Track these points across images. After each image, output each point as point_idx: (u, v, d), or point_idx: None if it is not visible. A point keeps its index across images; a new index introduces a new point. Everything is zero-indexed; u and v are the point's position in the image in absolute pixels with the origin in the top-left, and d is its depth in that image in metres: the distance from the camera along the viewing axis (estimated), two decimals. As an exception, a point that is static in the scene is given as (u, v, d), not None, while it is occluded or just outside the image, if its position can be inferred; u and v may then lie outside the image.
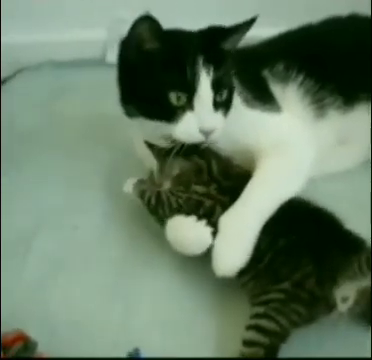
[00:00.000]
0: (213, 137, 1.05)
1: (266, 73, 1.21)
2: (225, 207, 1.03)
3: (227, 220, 1.03)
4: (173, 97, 1.02)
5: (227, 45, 1.08)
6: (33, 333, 0.94)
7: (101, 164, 1.30)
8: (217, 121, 1.05)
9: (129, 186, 1.14)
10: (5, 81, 1.78)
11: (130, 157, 1.28)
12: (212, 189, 1.06)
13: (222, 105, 1.06)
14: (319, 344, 0.98)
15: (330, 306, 0.94)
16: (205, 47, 1.05)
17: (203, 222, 1.02)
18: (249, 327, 0.94)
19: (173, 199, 1.06)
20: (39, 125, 1.53)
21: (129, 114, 1.11)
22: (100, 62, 1.71)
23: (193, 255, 1.02)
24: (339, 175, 1.26)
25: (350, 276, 0.94)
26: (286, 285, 0.95)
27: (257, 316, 0.95)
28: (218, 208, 1.04)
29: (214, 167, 1.08)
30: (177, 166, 1.09)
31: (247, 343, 0.94)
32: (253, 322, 0.94)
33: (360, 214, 1.15)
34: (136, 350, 0.93)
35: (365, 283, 0.94)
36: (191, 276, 1.07)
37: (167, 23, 1.63)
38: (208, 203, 1.04)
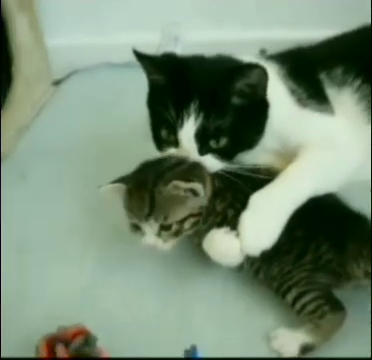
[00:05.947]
0: None
1: (323, 76, 1.20)
2: None
3: (259, 199, 1.01)
4: (163, 133, 1.07)
5: (238, 90, 1.04)
6: (92, 330, 0.96)
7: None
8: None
9: None
10: (59, 83, 1.83)
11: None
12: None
13: (216, 151, 1.05)
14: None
15: (351, 276, 0.99)
16: (206, 90, 1.04)
17: (232, 234, 1.00)
18: (299, 311, 0.97)
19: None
20: (93, 126, 1.56)
21: None
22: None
23: (229, 267, 1.03)
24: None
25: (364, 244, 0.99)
26: (309, 266, 0.98)
27: (297, 298, 0.97)
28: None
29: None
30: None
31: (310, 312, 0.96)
32: (298, 306, 0.97)
33: None
34: (193, 347, 0.92)
35: None
36: (246, 275, 1.08)
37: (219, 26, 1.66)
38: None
